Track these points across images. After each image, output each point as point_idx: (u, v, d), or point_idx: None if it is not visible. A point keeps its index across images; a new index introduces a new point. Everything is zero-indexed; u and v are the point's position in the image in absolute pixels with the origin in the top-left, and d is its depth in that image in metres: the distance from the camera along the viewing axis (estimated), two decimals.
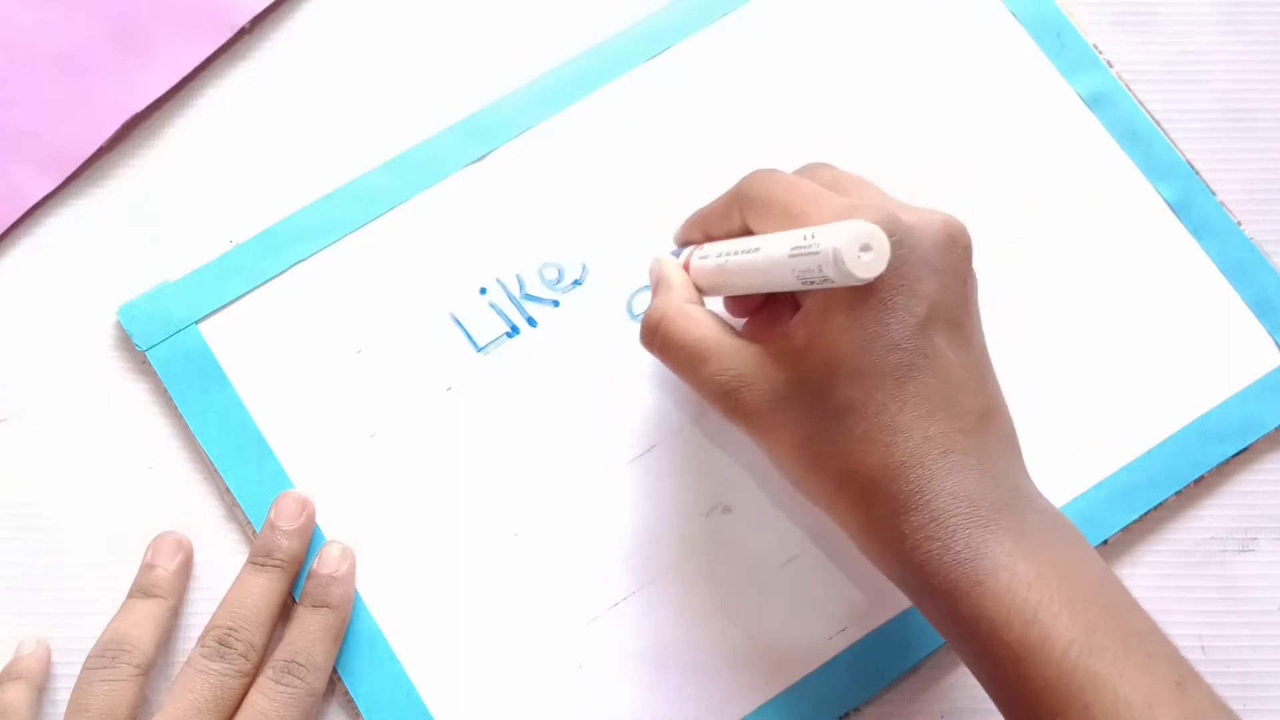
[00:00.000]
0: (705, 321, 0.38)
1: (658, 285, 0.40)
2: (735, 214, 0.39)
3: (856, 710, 0.42)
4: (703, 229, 0.41)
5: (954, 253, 0.35)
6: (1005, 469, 0.35)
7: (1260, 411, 0.45)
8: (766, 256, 0.36)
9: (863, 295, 0.34)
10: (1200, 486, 0.44)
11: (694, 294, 0.40)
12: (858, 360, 0.34)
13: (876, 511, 0.34)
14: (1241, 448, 0.44)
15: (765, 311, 0.40)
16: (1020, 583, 0.33)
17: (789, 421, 0.36)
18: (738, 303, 0.41)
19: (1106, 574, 0.34)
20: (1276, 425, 0.45)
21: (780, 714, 0.41)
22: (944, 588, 0.33)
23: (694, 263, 0.40)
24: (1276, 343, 0.45)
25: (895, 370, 0.34)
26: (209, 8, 0.47)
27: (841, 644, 0.42)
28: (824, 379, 0.35)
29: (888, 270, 0.33)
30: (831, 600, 0.42)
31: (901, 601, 0.42)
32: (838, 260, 0.32)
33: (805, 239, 0.33)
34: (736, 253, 0.37)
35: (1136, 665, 0.32)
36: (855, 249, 0.32)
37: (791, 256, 0.34)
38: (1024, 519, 0.34)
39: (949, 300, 0.35)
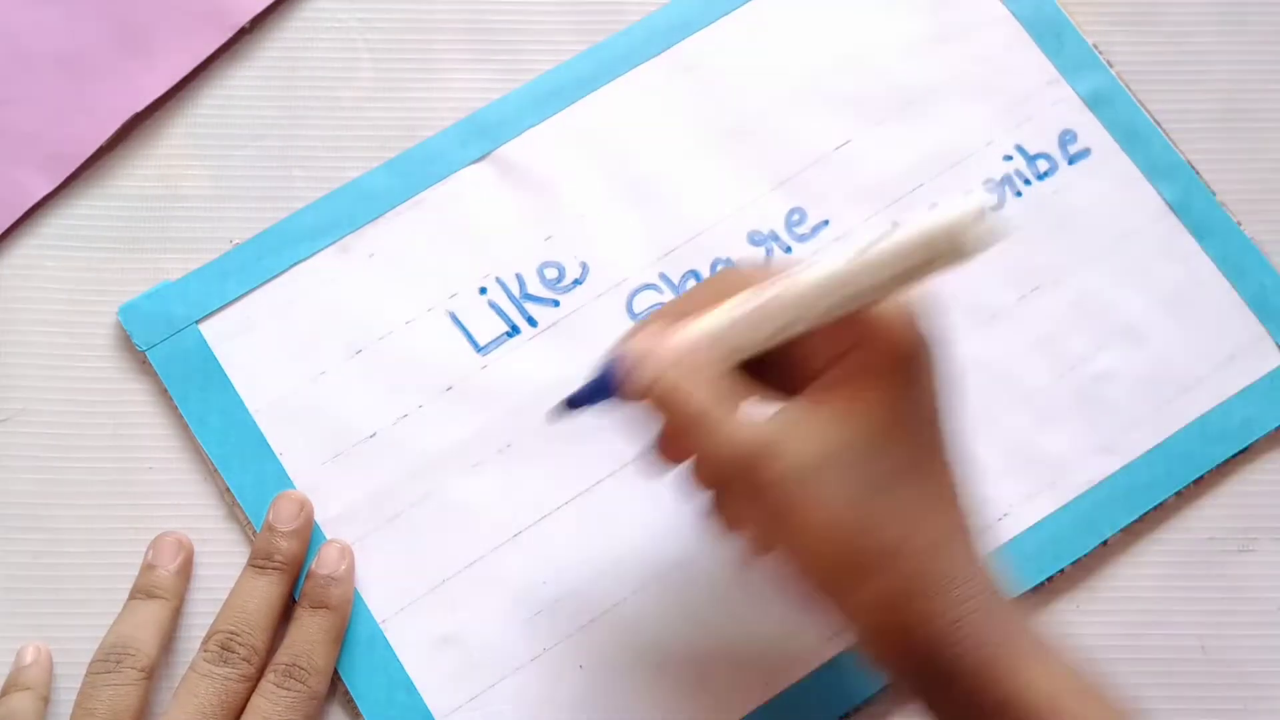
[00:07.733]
0: (714, 378, 0.33)
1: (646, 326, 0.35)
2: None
3: (856, 710, 0.42)
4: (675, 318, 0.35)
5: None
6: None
7: (1260, 411, 0.44)
8: (822, 270, 0.31)
9: (905, 360, 0.32)
10: (1200, 486, 0.44)
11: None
12: (909, 424, 0.33)
13: (912, 586, 0.32)
14: (1241, 448, 0.44)
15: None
16: (1053, 669, 0.33)
17: (825, 488, 0.32)
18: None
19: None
20: (1276, 425, 0.45)
21: (780, 714, 0.41)
22: (973, 669, 0.32)
23: (693, 331, 0.34)
24: (1276, 343, 0.45)
25: (933, 441, 0.33)
26: (209, 8, 0.47)
27: (842, 644, 0.42)
28: (876, 440, 0.32)
29: (927, 347, 0.32)
30: None
31: None
32: (958, 228, 0.29)
33: (884, 231, 0.30)
34: (774, 285, 0.33)
35: None
36: (973, 218, 0.29)
37: (860, 254, 0.30)
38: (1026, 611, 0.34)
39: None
